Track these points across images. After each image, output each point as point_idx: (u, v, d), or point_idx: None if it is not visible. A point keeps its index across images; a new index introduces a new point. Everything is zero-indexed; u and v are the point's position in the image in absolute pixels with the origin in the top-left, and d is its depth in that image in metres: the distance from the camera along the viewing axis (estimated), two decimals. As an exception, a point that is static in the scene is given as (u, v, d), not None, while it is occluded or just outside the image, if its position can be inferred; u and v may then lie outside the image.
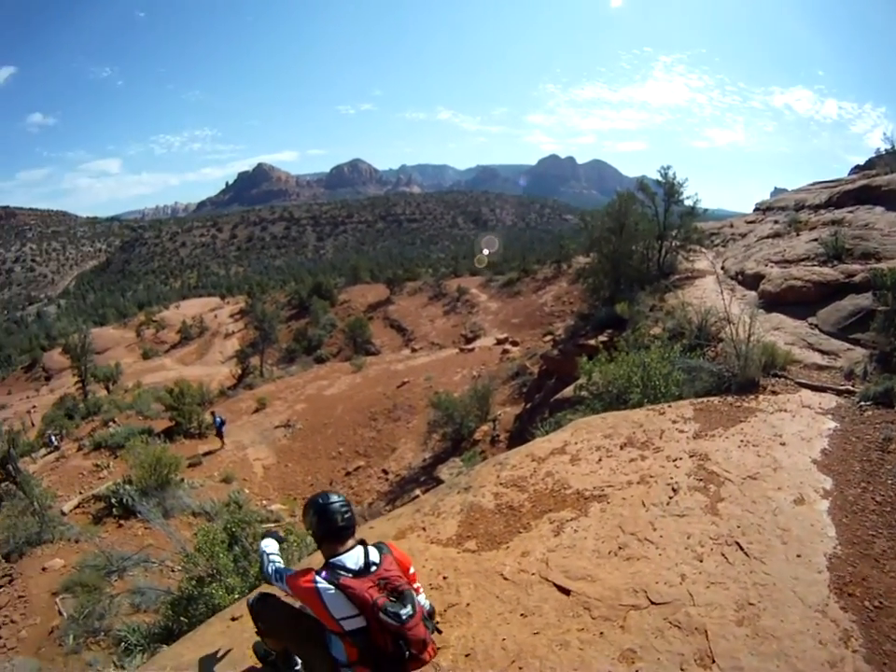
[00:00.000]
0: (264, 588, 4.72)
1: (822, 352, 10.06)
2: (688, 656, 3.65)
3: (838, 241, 13.55)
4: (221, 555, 7.86)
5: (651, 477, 5.95)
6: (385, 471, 24.24)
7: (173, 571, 12.26)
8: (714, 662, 3.62)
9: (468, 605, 4.42)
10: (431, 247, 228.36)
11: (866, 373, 8.66)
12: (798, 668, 3.58)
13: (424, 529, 5.81)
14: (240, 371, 50.26)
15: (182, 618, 7.73)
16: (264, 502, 21.90)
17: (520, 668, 3.78)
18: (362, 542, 3.71)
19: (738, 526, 4.89)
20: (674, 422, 7.31)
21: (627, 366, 10.16)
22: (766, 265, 15.22)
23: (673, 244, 22.14)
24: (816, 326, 11.17)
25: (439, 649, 3.95)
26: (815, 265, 13.44)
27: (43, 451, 30.68)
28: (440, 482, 16.80)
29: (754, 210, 26.01)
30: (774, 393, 8.15)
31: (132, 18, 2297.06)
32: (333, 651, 3.50)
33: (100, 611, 11.57)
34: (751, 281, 15.21)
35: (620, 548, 4.84)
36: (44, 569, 14.64)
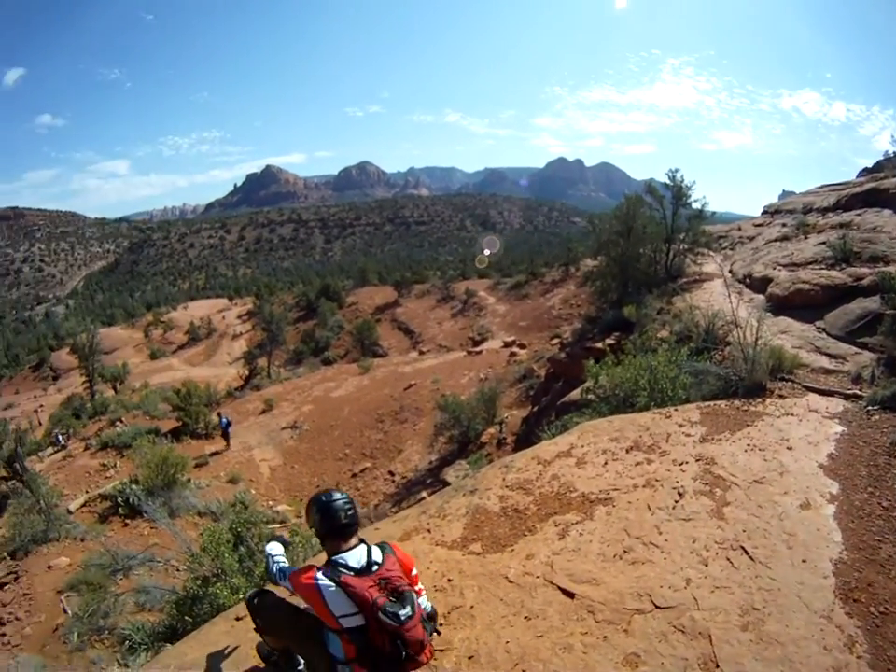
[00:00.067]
0: (267, 587, 4.73)
1: (830, 356, 10.02)
2: (692, 661, 3.64)
3: (846, 244, 13.51)
4: (226, 555, 7.87)
5: (657, 481, 5.94)
6: (391, 473, 24.24)
7: (178, 571, 12.28)
8: (718, 667, 3.61)
9: (472, 607, 4.42)
10: (439, 250, 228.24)
11: (874, 377, 8.62)
12: (802, 674, 3.58)
13: (429, 531, 5.81)
14: (247, 373, 50.40)
15: (186, 617, 7.76)
16: (270, 503, 21.92)
17: (523, 671, 3.78)
18: (365, 542, 3.71)
19: (744, 531, 4.87)
20: (680, 426, 7.29)
21: (634, 369, 10.13)
22: (774, 268, 15.18)
23: (681, 247, 22.10)
24: (823, 329, 11.13)
25: (442, 650, 3.97)
26: (823, 268, 13.40)
27: (50, 450, 30.77)
28: (446, 484, 16.81)
29: (762, 213, 25.91)
30: (781, 397, 8.13)
31: (139, 20, 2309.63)
32: (331, 649, 3.51)
33: (105, 610, 11.59)
34: (759, 284, 15.17)
35: (625, 552, 4.83)
36: (49, 567, 14.69)
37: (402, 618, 3.37)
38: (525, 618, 4.22)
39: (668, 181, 22.20)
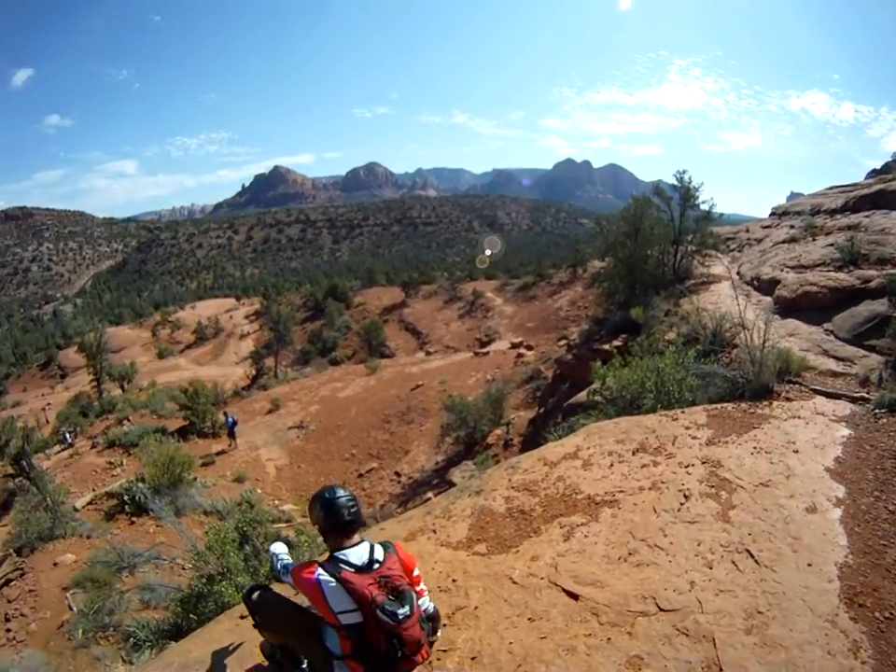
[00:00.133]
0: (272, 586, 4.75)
1: (837, 358, 10.01)
2: (695, 664, 3.63)
3: (854, 246, 13.49)
4: (232, 554, 7.92)
5: (663, 483, 5.92)
6: (397, 474, 24.27)
7: (183, 569, 12.33)
8: (721, 670, 3.59)
9: (476, 608, 4.42)
10: (447, 251, 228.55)
11: (881, 380, 8.61)
12: (806, 679, 3.57)
13: (434, 532, 5.81)
14: (254, 372, 50.50)
15: (191, 615, 7.80)
16: (276, 502, 21.97)
17: (525, 672, 3.78)
18: (368, 540, 3.74)
19: (749, 534, 4.85)
20: (687, 428, 7.27)
21: (641, 371, 10.12)
22: (782, 270, 15.15)
23: (688, 248, 22.10)
24: (831, 332, 11.12)
25: (445, 651, 3.98)
26: (830, 270, 13.38)
27: (57, 448, 30.98)
28: (452, 485, 16.79)
29: (770, 215, 25.87)
30: (788, 399, 8.11)
31: (147, 21, 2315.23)
32: (328, 643, 3.54)
33: (110, 607, 11.66)
34: (767, 286, 15.15)
35: (630, 554, 4.82)
36: (55, 564, 14.78)
37: (400, 617, 3.39)
38: (529, 619, 4.21)
39: (676, 182, 22.24)
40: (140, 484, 18.19)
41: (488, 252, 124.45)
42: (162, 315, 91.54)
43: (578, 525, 5.39)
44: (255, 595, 4.08)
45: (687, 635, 3.84)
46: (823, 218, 18.66)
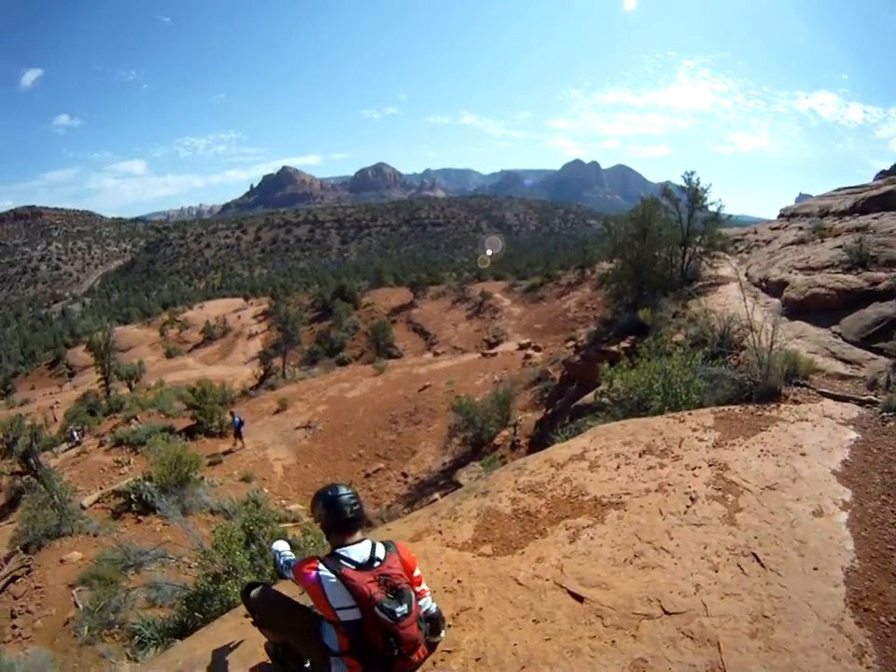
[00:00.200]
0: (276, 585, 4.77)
1: (845, 361, 9.96)
2: (700, 667, 3.62)
3: (862, 248, 13.43)
4: (238, 553, 7.96)
5: (670, 485, 5.91)
6: (404, 474, 24.29)
7: (189, 567, 12.38)
8: (726, 674, 3.60)
9: (481, 609, 4.42)
10: (455, 251, 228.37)
11: (889, 383, 8.56)
12: (811, 684, 3.56)
13: (440, 532, 5.82)
14: (262, 372, 50.55)
15: (197, 613, 7.84)
16: (283, 502, 22.03)
17: (529, 674, 3.78)
18: (370, 539, 3.79)
19: (755, 537, 4.84)
20: (694, 430, 7.26)
21: (649, 373, 10.09)
22: (790, 272, 15.10)
23: (697, 250, 22.05)
24: (839, 334, 11.07)
25: (449, 651, 3.98)
26: (839, 272, 13.32)
27: (65, 446, 31.13)
28: (459, 486, 16.82)
29: (778, 216, 25.80)
30: (795, 402, 8.08)
31: (156, 22, 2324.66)
32: (326, 639, 3.57)
33: (115, 604, 11.74)
34: (775, 288, 15.10)
35: (635, 556, 4.81)
36: (62, 561, 14.87)
37: (398, 615, 3.43)
38: (534, 621, 4.21)
39: (684, 183, 22.17)
40: (147, 483, 18.28)
41: (489, 252, 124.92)
42: (171, 314, 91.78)
43: (584, 527, 5.38)
44: (253, 592, 4.13)
45: (692, 638, 3.83)
46: (832, 220, 18.59)
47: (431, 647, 4.00)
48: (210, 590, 7.84)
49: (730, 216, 24.10)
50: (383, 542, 3.80)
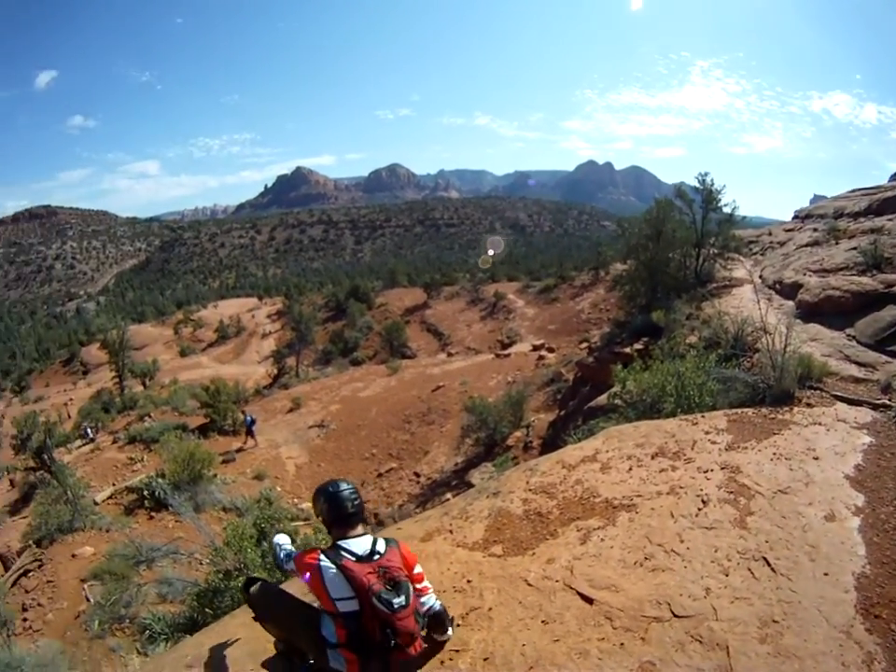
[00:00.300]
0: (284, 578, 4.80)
1: (859, 364, 9.89)
2: (707, 672, 3.63)
3: (877, 249, 13.34)
4: (249, 550, 8.02)
5: (681, 488, 5.89)
6: (416, 474, 24.32)
7: (201, 564, 12.42)
8: (734, 679, 3.59)
9: (490, 609, 4.43)
10: (469, 252, 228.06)
11: (903, 387, 8.51)
12: (819, 690, 3.55)
13: (451, 532, 5.82)
14: (276, 371, 50.82)
15: (207, 610, 7.89)
16: (295, 500, 22.11)
17: (537, 675, 3.79)
18: (371, 534, 3.86)
19: (766, 541, 4.82)
20: (707, 433, 7.24)
21: (662, 375, 10.06)
22: (804, 274, 15.02)
23: (711, 251, 21.97)
24: (853, 337, 10.99)
25: (458, 651, 4.00)
26: (853, 274, 13.23)
27: (78, 442, 31.40)
28: (471, 486, 16.81)
29: (793, 218, 25.63)
30: (809, 405, 8.02)
31: (170, 23, 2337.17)
32: (324, 631, 3.61)
33: (126, 599, 11.82)
34: (789, 290, 15.03)
35: (646, 559, 4.80)
36: (74, 556, 15.02)
37: (395, 606, 3.48)
38: (543, 622, 4.21)
39: (698, 185, 22.09)
40: (160, 480, 18.40)
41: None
42: (185, 313, 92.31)
43: (594, 529, 5.38)
44: (252, 588, 4.19)
45: (700, 642, 3.83)
46: (846, 222, 18.47)
47: (439, 646, 4.03)
48: (221, 586, 7.89)
49: (744, 217, 23.97)
50: (384, 538, 3.86)
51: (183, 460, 18.52)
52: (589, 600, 4.40)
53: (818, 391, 8.60)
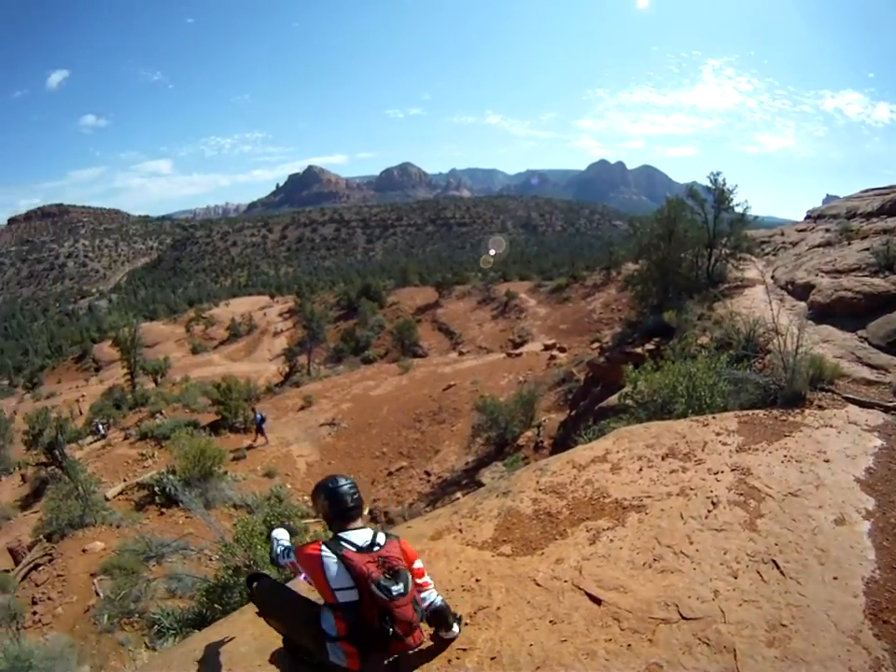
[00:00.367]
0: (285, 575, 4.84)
1: (871, 366, 9.84)
2: (714, 675, 3.63)
3: (890, 250, 13.27)
4: (259, 547, 8.08)
5: (692, 489, 5.88)
6: (427, 473, 24.34)
7: (210, 560, 12.52)
8: (741, 682, 3.59)
9: (498, 608, 4.44)
10: (480, 251, 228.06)
11: (916, 390, 8.48)
12: (825, 695, 3.54)
13: (460, 531, 5.84)
14: (287, 369, 50.94)
15: (216, 605, 7.96)
16: (305, 498, 22.12)
17: (544, 675, 3.80)
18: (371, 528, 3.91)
19: (776, 544, 4.80)
20: (717, 434, 7.21)
21: (673, 375, 10.04)
22: (816, 275, 14.95)
23: (722, 252, 21.90)
24: (865, 339, 10.93)
25: (465, 650, 4.01)
26: (866, 276, 13.16)
27: (90, 438, 31.58)
28: (481, 485, 16.81)
29: (805, 218, 25.50)
30: (820, 407, 7.98)
31: (181, 23, 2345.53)
32: (324, 625, 3.64)
33: (136, 594, 11.94)
34: (801, 291, 14.97)
35: (655, 560, 4.80)
36: (84, 551, 15.14)
37: (394, 593, 3.54)
38: (551, 622, 4.22)
39: (710, 184, 22.02)
40: (171, 476, 18.54)
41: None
42: (196, 311, 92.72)
43: (604, 530, 5.38)
44: (255, 584, 4.28)
45: (708, 644, 3.82)
46: (859, 222, 18.37)
47: (445, 643, 4.06)
48: (230, 582, 7.96)
49: (756, 217, 23.89)
50: (384, 532, 3.92)
51: (194, 457, 18.63)
52: (597, 601, 4.40)
53: (829, 393, 8.57)
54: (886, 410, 7.82)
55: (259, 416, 27.96)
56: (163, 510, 18.15)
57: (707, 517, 5.33)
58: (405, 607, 3.58)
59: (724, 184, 21.81)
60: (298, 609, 3.91)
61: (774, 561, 4.61)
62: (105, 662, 11.23)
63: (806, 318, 11.83)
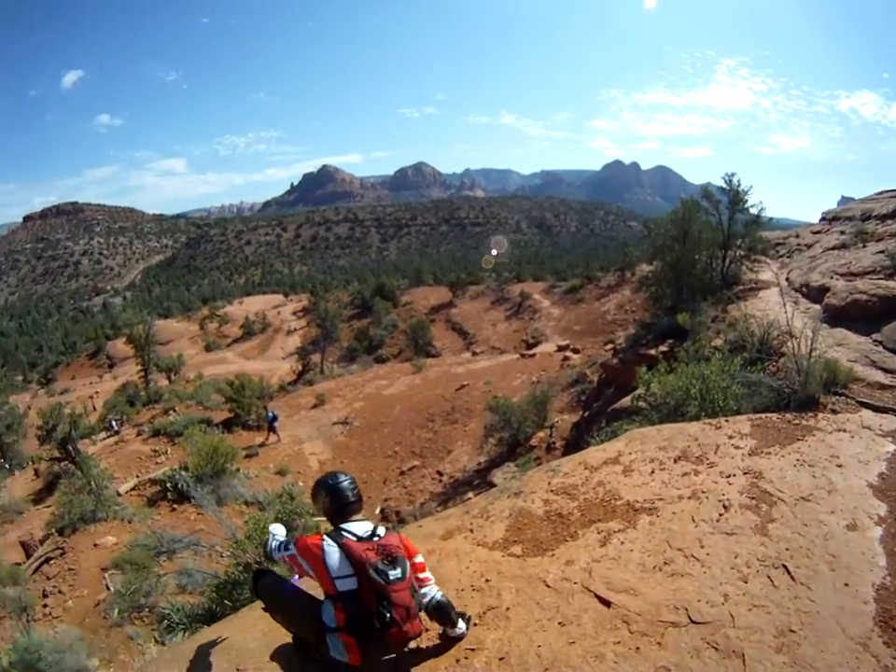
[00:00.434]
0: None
1: (885, 370, 9.77)
2: (723, 679, 3.62)
3: (904, 254, 13.21)
4: (270, 544, 8.08)
5: (703, 492, 5.86)
6: (439, 473, 24.35)
7: (221, 556, 12.57)
8: (749, 687, 3.59)
9: (507, 609, 4.44)
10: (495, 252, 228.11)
11: (931, 395, 8.42)
12: (833, 702, 3.54)
13: (471, 531, 5.85)
14: (300, 368, 51.06)
15: (226, 601, 8.01)
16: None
17: (552, 676, 3.81)
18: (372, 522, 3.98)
19: (787, 549, 4.78)
20: (730, 437, 7.19)
21: (686, 378, 10.00)
22: (831, 277, 14.86)
23: (737, 253, 21.77)
24: (880, 342, 10.85)
25: (473, 650, 4.03)
26: (881, 278, 13.08)
27: (103, 434, 31.87)
28: (493, 486, 16.80)
29: (820, 220, 25.34)
30: (834, 412, 7.96)
31: (195, 23, 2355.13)
32: (324, 616, 3.68)
33: (146, 589, 12.02)
34: (816, 294, 14.89)
35: (665, 563, 4.79)
36: (95, 545, 15.27)
37: (391, 577, 3.59)
38: (560, 623, 4.22)
39: (725, 185, 21.90)
40: (183, 473, 18.65)
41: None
42: (210, 309, 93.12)
43: (615, 532, 5.37)
44: (260, 580, 4.31)
45: (716, 649, 3.81)
46: (874, 224, 18.23)
47: (453, 642, 4.09)
48: (241, 579, 8.02)
49: (771, 218, 23.71)
50: (384, 526, 3.98)
51: (206, 454, 18.73)
52: (607, 603, 4.40)
53: (843, 397, 8.53)
54: (899, 415, 7.77)
55: (271, 414, 28.08)
56: (175, 506, 18.26)
57: (718, 521, 5.32)
58: (402, 591, 3.62)
59: (739, 185, 21.68)
60: (300, 603, 3.94)
61: (784, 566, 4.59)
62: (114, 655, 11.34)
63: (821, 321, 11.74)
